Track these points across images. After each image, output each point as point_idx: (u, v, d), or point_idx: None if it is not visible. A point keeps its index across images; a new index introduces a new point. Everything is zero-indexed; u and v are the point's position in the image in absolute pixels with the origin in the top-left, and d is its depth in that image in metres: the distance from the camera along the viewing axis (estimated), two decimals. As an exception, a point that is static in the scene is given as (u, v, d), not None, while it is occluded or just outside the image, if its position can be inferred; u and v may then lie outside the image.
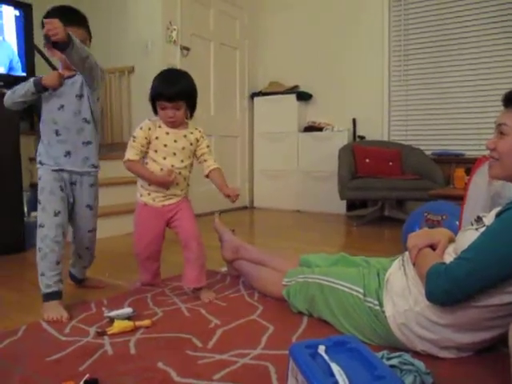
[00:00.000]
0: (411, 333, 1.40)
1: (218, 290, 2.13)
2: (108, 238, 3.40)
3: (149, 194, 2.06)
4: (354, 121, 4.83)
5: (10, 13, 3.08)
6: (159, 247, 2.14)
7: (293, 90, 5.10)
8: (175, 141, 2.02)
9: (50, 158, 1.94)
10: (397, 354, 1.25)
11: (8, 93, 1.92)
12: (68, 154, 1.94)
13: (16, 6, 3.10)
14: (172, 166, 2.01)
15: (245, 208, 5.32)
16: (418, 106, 4.63)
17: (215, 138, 4.71)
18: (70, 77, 1.95)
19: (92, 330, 1.66)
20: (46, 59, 3.55)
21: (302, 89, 5.10)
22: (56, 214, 1.90)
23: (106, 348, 1.51)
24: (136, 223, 2.12)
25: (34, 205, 3.30)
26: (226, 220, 2.68)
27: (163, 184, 2.02)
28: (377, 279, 1.55)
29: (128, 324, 1.66)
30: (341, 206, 4.65)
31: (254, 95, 5.35)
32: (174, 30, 4.29)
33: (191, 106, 2.05)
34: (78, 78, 1.95)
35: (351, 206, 4.73)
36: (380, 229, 3.96)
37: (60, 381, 1.25)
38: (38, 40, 3.29)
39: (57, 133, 1.93)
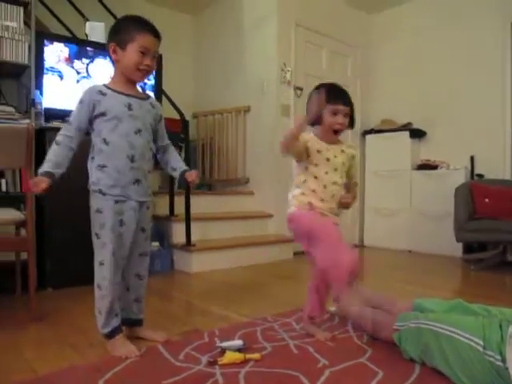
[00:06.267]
0: (539, 394, 1.28)
1: (326, 330, 2.10)
2: (226, 269, 3.57)
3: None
4: (472, 158, 4.59)
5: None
6: None
7: (406, 127, 4.99)
8: (335, 156, 1.96)
9: (115, 187, 1.76)
10: (522, 415, 1.15)
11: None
12: (137, 182, 1.80)
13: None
14: (334, 182, 1.94)
15: (355, 246, 5.24)
16: (545, 143, 4.28)
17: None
18: (142, 98, 1.84)
19: (204, 359, 1.72)
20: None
21: (415, 126, 4.97)
22: (114, 254, 1.76)
23: (216, 377, 1.56)
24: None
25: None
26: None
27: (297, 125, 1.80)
28: (499, 331, 1.44)
29: (239, 356, 1.70)
30: (456, 248, 4.39)
31: (365, 133, 5.32)
32: (288, 71, 4.46)
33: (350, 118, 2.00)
34: (151, 108, 1.87)
35: (468, 248, 4.45)
36: (501, 275, 3.66)
37: (176, 405, 1.32)
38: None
39: (132, 159, 1.77)
